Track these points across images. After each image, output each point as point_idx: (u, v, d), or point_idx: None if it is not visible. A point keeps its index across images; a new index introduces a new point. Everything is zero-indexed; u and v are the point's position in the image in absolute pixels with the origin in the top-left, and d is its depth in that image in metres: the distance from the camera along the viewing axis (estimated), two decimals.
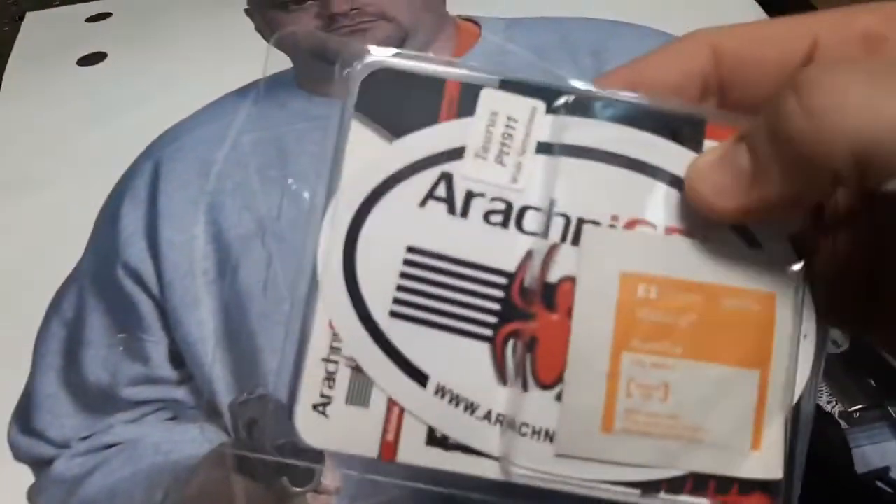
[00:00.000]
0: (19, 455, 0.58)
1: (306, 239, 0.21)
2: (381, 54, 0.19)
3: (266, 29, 0.63)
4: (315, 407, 0.19)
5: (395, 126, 0.19)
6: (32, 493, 0.58)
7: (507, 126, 0.19)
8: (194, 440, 0.47)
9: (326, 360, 0.19)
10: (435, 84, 0.19)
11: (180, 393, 0.51)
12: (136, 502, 0.47)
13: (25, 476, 0.59)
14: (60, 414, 0.55)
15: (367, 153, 0.20)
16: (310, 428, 0.20)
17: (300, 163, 0.60)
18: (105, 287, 0.57)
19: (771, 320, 0.19)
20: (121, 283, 0.56)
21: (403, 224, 0.19)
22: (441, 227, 0.19)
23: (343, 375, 0.19)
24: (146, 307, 0.54)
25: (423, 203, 0.19)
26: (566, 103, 0.19)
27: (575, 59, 0.61)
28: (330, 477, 0.44)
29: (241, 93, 0.69)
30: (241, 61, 0.73)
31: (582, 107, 0.19)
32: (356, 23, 0.57)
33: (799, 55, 0.18)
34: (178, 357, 0.52)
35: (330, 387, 0.19)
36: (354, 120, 0.20)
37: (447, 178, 0.19)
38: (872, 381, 0.49)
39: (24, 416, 0.57)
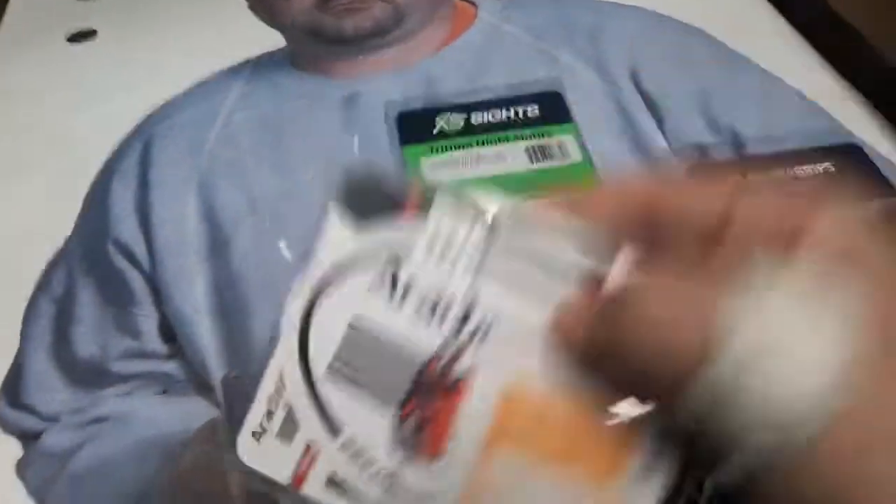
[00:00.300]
0: (7, 428, 0.58)
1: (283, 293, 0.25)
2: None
3: (260, 7, 0.62)
4: (253, 434, 0.25)
5: (362, 221, 0.24)
6: (21, 467, 0.58)
7: (451, 232, 0.23)
8: (186, 415, 0.47)
9: (270, 400, 0.25)
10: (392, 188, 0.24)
11: (171, 367, 0.51)
12: (127, 476, 0.47)
13: (15, 450, 0.59)
14: (50, 389, 0.55)
15: (339, 237, 0.24)
16: (246, 449, 0.25)
17: (293, 142, 0.60)
18: (95, 264, 0.56)
19: (635, 437, 0.22)
20: (111, 259, 0.55)
21: (351, 301, 0.24)
22: (380, 310, 0.24)
23: (279, 415, 0.24)
24: (137, 283, 0.54)
25: (370, 287, 0.24)
26: (502, 216, 0.23)
27: (572, 41, 0.61)
28: None
29: (234, 71, 0.69)
30: (234, 39, 0.73)
31: (514, 222, 0.23)
32: (351, 2, 0.57)
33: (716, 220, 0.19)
34: (168, 331, 0.52)
35: (268, 420, 0.25)
36: (333, 212, 0.24)
37: (394, 269, 0.23)
38: None
39: (13, 391, 0.57)
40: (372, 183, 0.25)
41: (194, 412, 0.47)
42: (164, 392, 0.52)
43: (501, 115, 0.61)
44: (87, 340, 0.54)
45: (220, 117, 0.63)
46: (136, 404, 0.52)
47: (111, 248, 0.56)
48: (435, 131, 0.60)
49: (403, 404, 0.24)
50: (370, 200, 0.24)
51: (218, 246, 0.54)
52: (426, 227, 0.24)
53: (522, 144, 0.58)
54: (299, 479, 0.24)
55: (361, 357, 0.24)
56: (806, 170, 0.57)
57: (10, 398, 0.58)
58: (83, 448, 0.52)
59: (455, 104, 0.62)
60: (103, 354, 0.54)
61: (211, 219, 0.56)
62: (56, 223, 0.61)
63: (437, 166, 0.57)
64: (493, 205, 0.23)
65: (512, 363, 0.23)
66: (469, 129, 0.60)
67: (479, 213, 0.23)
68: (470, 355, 0.23)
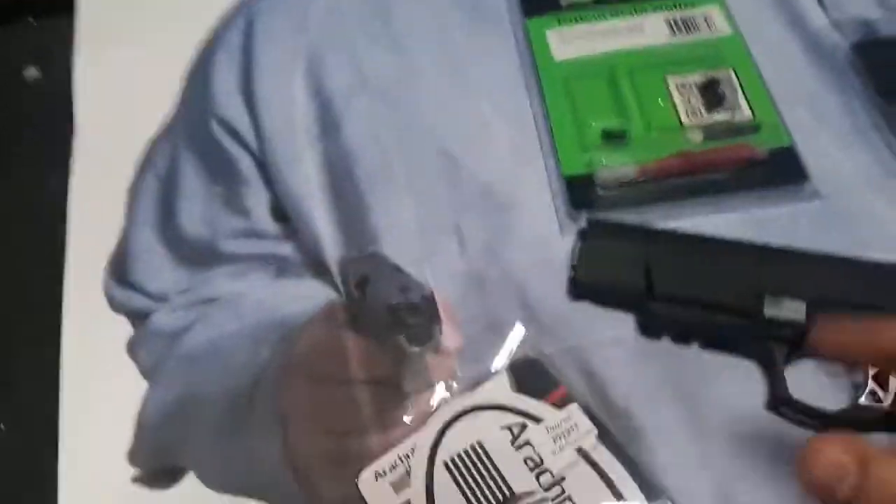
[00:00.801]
0: (115, 306, 0.57)
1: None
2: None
3: None
4: (376, 473, 0.36)
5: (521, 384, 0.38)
6: (132, 346, 0.57)
7: (574, 426, 0.36)
8: (302, 297, 0.44)
9: (400, 457, 0.36)
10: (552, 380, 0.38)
11: (285, 248, 0.48)
12: (239, 359, 0.45)
13: (125, 328, 0.58)
14: (159, 267, 0.53)
15: (502, 388, 0.38)
16: (365, 480, 0.35)
17: (401, 13, 0.55)
18: (201, 142, 0.54)
19: None
20: (217, 138, 0.52)
21: (487, 428, 0.36)
22: (500, 445, 0.36)
23: (400, 470, 0.36)
24: (245, 162, 0.51)
25: (503, 427, 0.36)
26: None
27: None
28: (450, 338, 0.41)
29: None
30: None
31: None
32: None
33: None
34: (280, 212, 0.49)
35: (391, 470, 0.36)
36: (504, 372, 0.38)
37: (523, 427, 0.36)
38: None
39: (120, 269, 0.56)
40: (539, 365, 0.38)
41: (310, 294, 0.44)
42: (279, 274, 0.49)
43: None
44: (194, 218, 0.52)
45: None
46: (249, 285, 0.50)
47: (216, 128, 0.52)
48: (564, 2, 0.54)
49: None
50: (534, 374, 0.38)
51: (329, 126, 0.51)
52: (561, 413, 0.36)
53: (663, 15, 0.52)
54: None
55: (472, 469, 0.35)
56: None
57: (118, 276, 0.56)
58: (194, 328, 0.50)
59: None
60: (213, 233, 0.51)
61: (321, 97, 0.52)
62: (160, 92, 0.58)
63: (566, 39, 0.52)
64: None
65: None
66: (601, 1, 0.54)
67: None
68: None
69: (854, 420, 0.35)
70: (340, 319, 0.42)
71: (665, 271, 0.40)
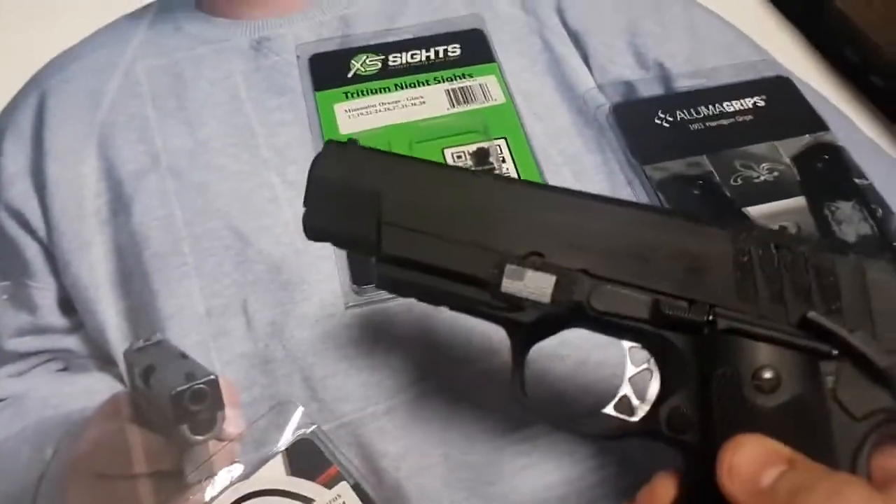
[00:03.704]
0: None
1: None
2: None
3: None
4: None
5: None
6: None
7: None
8: (86, 391, 0.44)
9: None
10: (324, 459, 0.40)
11: (71, 342, 0.48)
12: (23, 460, 0.44)
13: None
14: None
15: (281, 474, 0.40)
16: None
17: (197, 90, 0.56)
18: None
19: None
20: (3, 225, 0.51)
21: None
22: None
23: None
24: (32, 251, 0.50)
25: None
26: None
27: None
28: (233, 423, 0.42)
29: (135, 17, 0.64)
30: None
31: None
32: None
33: None
34: (67, 304, 0.48)
35: None
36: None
37: None
38: None
39: None
40: (313, 446, 0.39)
41: (96, 388, 0.44)
42: (65, 369, 0.49)
43: (421, 56, 0.58)
44: None
45: (121, 67, 0.59)
46: (32, 384, 0.49)
47: (3, 214, 0.51)
48: (350, 75, 0.56)
49: None
50: (307, 455, 0.39)
51: (119, 208, 0.51)
52: (330, 493, 0.38)
53: (443, 87, 0.55)
54: None
55: None
56: (735, 105, 0.55)
57: None
58: None
59: (371, 45, 0.58)
60: None
61: (112, 177, 0.52)
62: None
63: (352, 112, 0.54)
64: None
65: None
66: (387, 73, 0.56)
67: None
68: None
69: (600, 433, 0.31)
70: (124, 413, 0.43)
71: (396, 225, 0.32)
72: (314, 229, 0.34)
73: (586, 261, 0.30)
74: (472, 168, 0.34)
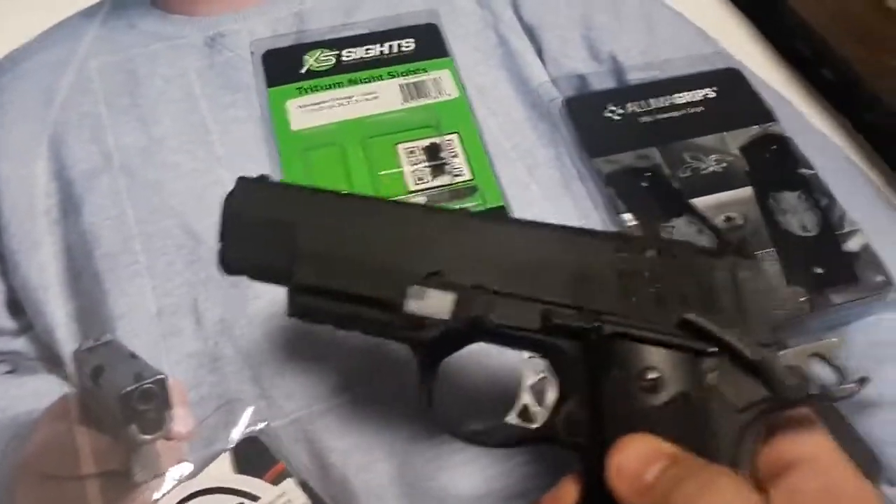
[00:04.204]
0: None
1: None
2: None
3: None
4: None
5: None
6: None
7: None
8: (34, 393, 0.44)
9: None
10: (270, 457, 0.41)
11: (19, 343, 0.48)
12: None
13: None
14: None
15: (225, 471, 0.40)
16: None
17: (151, 87, 0.56)
18: None
19: None
20: None
21: None
22: None
23: None
24: None
25: None
26: None
27: None
28: (181, 422, 0.42)
29: (88, 13, 0.63)
30: None
31: None
32: None
33: None
34: (16, 305, 0.48)
35: None
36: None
37: None
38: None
39: None
40: (259, 444, 0.40)
41: (44, 390, 0.44)
42: (12, 371, 0.49)
43: (375, 50, 0.58)
44: None
45: (73, 64, 0.58)
46: None
47: None
48: (303, 70, 0.56)
49: None
50: (254, 453, 0.40)
51: (70, 208, 0.51)
52: (276, 489, 0.39)
53: (396, 82, 0.55)
54: None
55: None
56: (686, 97, 0.56)
57: None
58: None
59: (326, 41, 0.58)
60: None
61: (63, 177, 0.52)
62: None
63: (304, 108, 0.54)
64: None
65: None
66: (341, 68, 0.56)
67: None
68: None
69: (503, 442, 0.32)
70: (72, 414, 0.43)
71: (304, 253, 0.33)
72: (230, 264, 0.36)
73: (483, 278, 0.32)
74: (379, 196, 0.36)
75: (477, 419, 0.33)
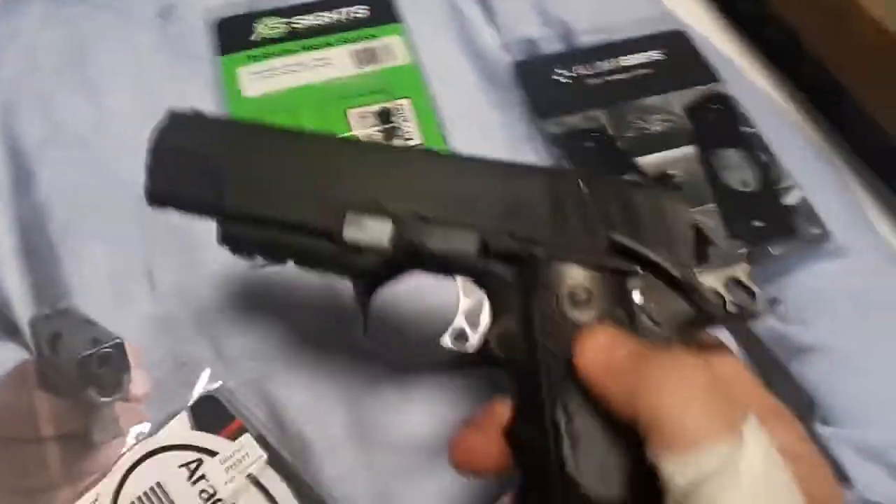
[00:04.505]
0: None
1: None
2: None
3: None
4: None
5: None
6: None
7: (242, 455, 0.40)
8: None
9: None
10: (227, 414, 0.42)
11: None
12: None
13: None
14: None
15: (183, 429, 0.41)
16: None
17: (101, 60, 0.56)
18: None
19: None
20: None
21: (165, 469, 0.40)
22: (178, 482, 0.39)
23: None
24: None
25: (180, 465, 0.40)
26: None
27: None
28: (139, 384, 0.43)
29: None
30: None
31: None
32: None
33: None
34: None
35: None
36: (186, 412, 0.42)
37: (199, 463, 0.40)
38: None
39: None
40: (216, 402, 0.41)
41: (2, 358, 0.44)
42: None
43: (327, 17, 0.58)
44: None
45: (22, 37, 0.58)
46: None
47: None
48: (254, 38, 0.56)
49: None
50: (211, 411, 0.41)
51: (22, 180, 0.51)
52: (234, 444, 0.40)
53: (348, 48, 0.56)
54: None
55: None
56: (633, 59, 0.57)
57: None
58: None
59: (277, 8, 0.58)
60: None
61: (15, 151, 0.52)
62: None
63: (256, 75, 0.54)
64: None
65: None
66: (292, 35, 0.57)
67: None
68: None
69: (439, 362, 0.33)
70: (31, 381, 0.43)
71: (239, 183, 0.34)
72: (158, 195, 0.36)
73: (420, 206, 0.33)
74: (321, 131, 0.37)
75: (414, 347, 0.35)
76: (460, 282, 0.33)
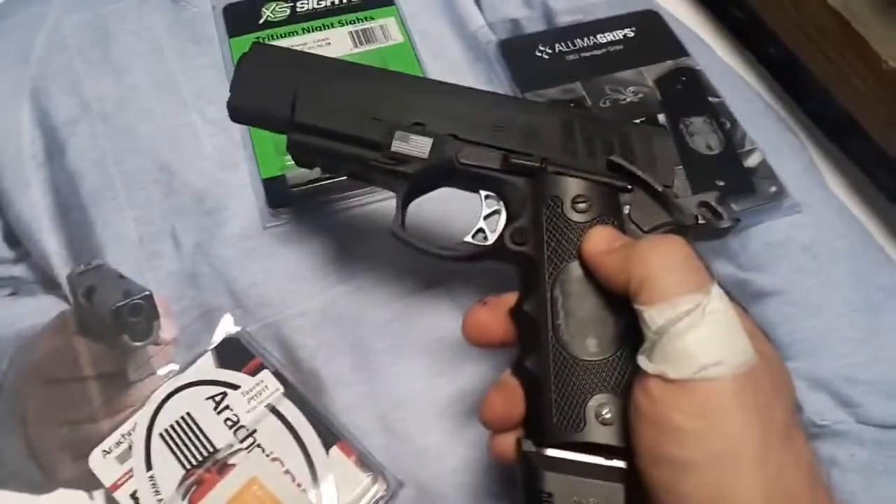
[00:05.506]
0: None
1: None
2: None
3: None
4: (103, 451, 0.44)
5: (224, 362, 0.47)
6: None
7: (262, 386, 0.46)
8: (36, 311, 0.50)
9: (123, 435, 0.44)
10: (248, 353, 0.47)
11: (19, 270, 0.53)
12: None
13: None
14: None
15: (209, 366, 0.47)
16: (95, 459, 0.44)
17: (121, 42, 0.61)
18: None
19: None
20: None
21: (194, 401, 0.45)
22: (205, 413, 0.45)
23: (123, 445, 0.44)
24: None
25: (207, 398, 0.45)
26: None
27: None
28: (167, 330, 0.49)
29: None
30: None
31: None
32: None
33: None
34: (13, 237, 0.54)
35: (116, 446, 0.44)
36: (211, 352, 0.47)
37: (224, 395, 0.45)
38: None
39: None
40: (238, 343, 0.47)
41: (44, 308, 0.49)
42: (14, 294, 0.54)
43: (327, 1, 0.63)
44: None
45: (48, 21, 0.63)
46: None
47: None
48: (261, 21, 0.61)
49: (191, 468, 0.43)
50: (233, 351, 0.47)
51: (54, 152, 0.56)
52: (254, 379, 0.46)
53: (346, 29, 0.61)
54: (115, 486, 0.43)
55: (181, 435, 0.44)
56: (608, 36, 0.62)
57: None
58: None
59: None
60: None
61: (45, 125, 0.57)
62: None
63: None
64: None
65: (261, 468, 0.42)
66: (295, 18, 0.62)
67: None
68: (241, 454, 0.43)
69: (462, 255, 0.40)
70: (71, 328, 0.49)
71: (308, 101, 0.41)
72: (239, 110, 0.43)
73: (456, 129, 0.40)
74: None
75: (441, 242, 0.42)
76: (483, 194, 0.40)
